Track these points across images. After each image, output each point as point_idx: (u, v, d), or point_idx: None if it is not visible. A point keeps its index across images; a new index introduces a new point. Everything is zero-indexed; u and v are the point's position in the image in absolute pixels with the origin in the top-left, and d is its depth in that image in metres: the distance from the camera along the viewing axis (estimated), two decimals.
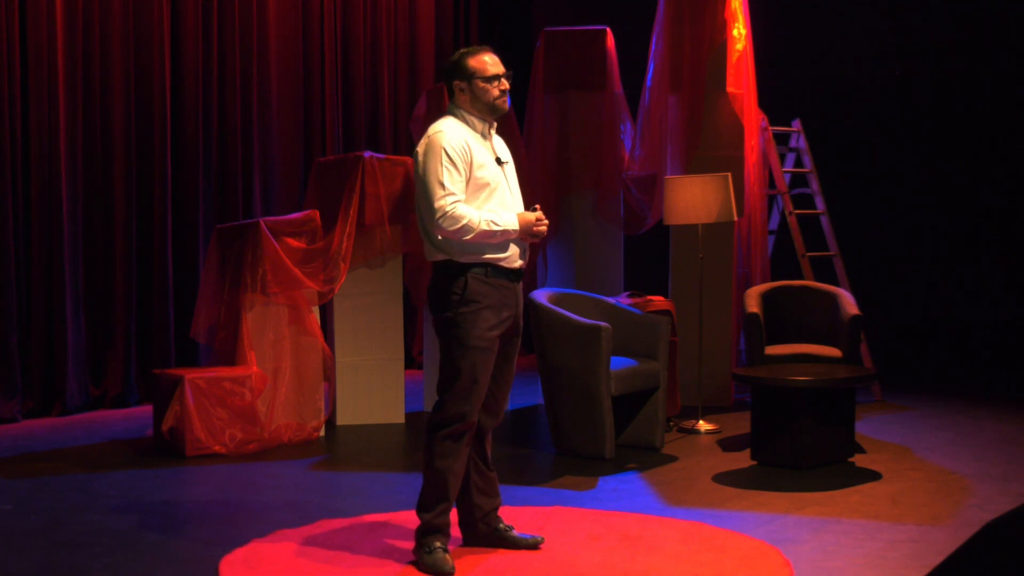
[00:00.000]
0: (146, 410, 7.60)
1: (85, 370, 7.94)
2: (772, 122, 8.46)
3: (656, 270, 8.62)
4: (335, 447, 6.78)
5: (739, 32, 7.90)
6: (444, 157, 4.22)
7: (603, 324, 6.17)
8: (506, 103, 4.39)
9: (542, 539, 4.59)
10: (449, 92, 4.41)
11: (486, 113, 4.38)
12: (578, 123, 8.38)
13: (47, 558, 4.56)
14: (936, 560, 4.14)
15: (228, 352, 6.82)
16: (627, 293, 7.35)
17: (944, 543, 4.60)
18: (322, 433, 6.99)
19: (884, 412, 7.58)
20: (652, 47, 8.17)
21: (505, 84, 4.36)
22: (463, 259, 4.29)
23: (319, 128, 9.37)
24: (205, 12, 8.59)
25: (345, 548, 4.58)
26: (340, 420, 7.31)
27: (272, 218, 6.99)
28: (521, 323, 4.49)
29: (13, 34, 7.60)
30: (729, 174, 7.21)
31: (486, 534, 4.57)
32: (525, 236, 4.35)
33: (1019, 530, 2.15)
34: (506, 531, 4.57)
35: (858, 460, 6.18)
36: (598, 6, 10.09)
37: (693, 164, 7.95)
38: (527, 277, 8.05)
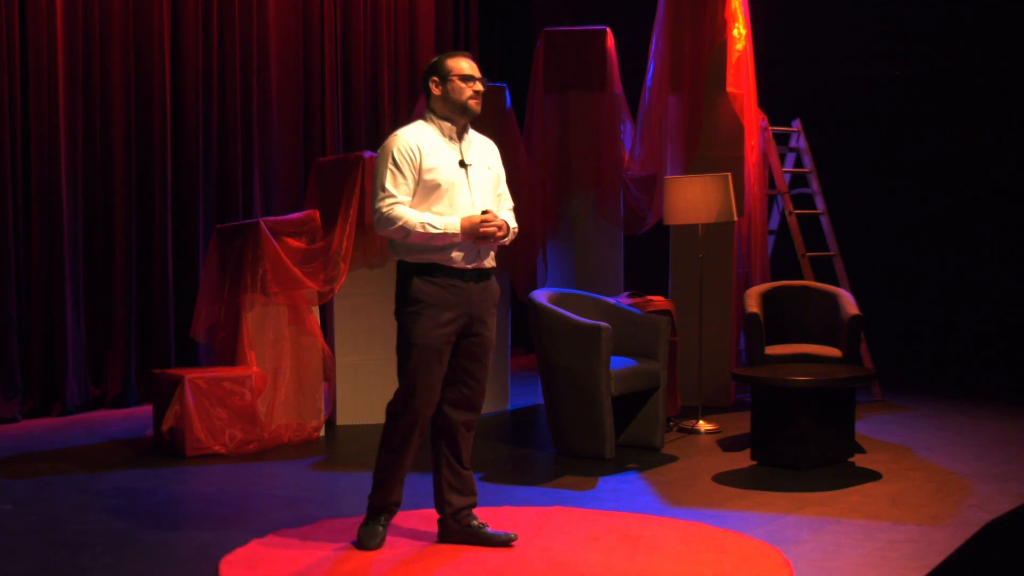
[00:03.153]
0: (146, 410, 7.60)
1: (85, 370, 7.94)
2: (772, 122, 8.46)
3: (656, 270, 8.62)
4: (335, 447, 6.78)
5: (739, 32, 7.90)
6: (390, 160, 4.41)
7: (603, 324, 6.17)
8: (478, 106, 4.50)
9: (515, 536, 4.58)
10: (425, 93, 4.54)
11: (457, 114, 4.49)
12: (578, 123, 8.37)
13: (47, 558, 4.56)
14: (936, 560, 4.14)
15: (228, 352, 6.82)
16: (627, 293, 7.35)
17: (944, 543, 4.60)
18: (322, 433, 6.99)
19: (884, 412, 7.57)
20: (652, 47, 8.17)
21: (478, 86, 4.49)
22: (411, 259, 4.46)
23: (319, 128, 9.36)
24: (205, 12, 8.59)
25: (345, 548, 4.58)
26: (340, 420, 7.31)
27: (272, 218, 6.99)
28: (486, 321, 4.52)
29: (13, 34, 7.60)
30: (729, 174, 7.20)
31: (456, 531, 4.58)
32: (471, 238, 4.39)
33: (1019, 530, 2.15)
34: (479, 528, 4.58)
35: (858, 460, 6.18)
36: (598, 6, 10.08)
37: (693, 164, 7.94)
38: (527, 277, 8.04)
